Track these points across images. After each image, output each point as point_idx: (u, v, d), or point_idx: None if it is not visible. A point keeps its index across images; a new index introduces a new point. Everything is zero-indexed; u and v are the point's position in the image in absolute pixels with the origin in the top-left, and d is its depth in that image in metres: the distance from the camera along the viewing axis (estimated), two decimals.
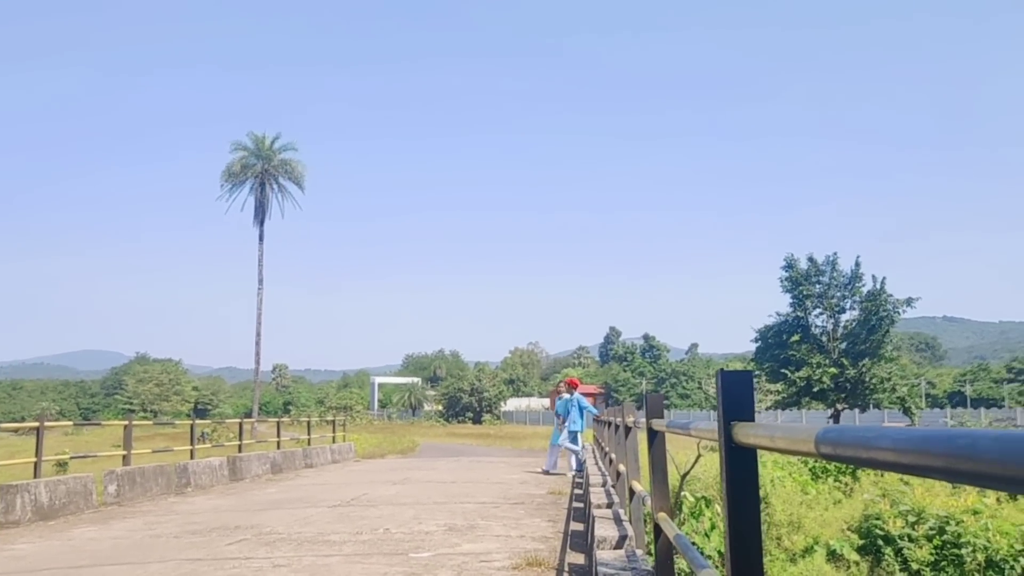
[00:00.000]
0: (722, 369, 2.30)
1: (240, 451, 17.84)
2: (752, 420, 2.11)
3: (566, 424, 16.36)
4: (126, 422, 14.58)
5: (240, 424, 19.83)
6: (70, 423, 18.16)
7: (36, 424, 11.87)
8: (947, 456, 0.95)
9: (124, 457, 13.46)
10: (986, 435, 0.90)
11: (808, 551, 15.20)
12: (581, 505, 10.49)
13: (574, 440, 16.34)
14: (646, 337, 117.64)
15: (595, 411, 17.20)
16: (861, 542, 15.82)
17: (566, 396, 16.72)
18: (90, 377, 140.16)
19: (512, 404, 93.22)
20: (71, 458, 15.43)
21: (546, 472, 16.90)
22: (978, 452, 0.89)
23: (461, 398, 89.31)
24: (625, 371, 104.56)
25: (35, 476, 11.06)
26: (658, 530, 4.30)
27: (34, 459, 11.37)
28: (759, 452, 2.16)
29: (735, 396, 2.18)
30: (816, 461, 23.93)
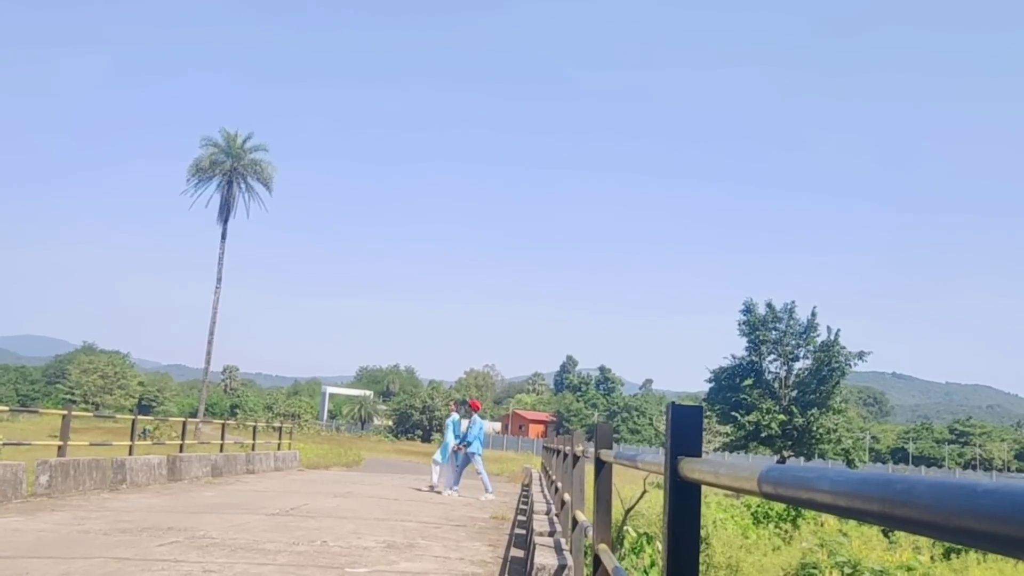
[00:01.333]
0: (673, 402, 2.31)
1: (181, 451, 17.48)
2: (699, 455, 2.12)
3: (466, 445, 16.49)
4: (65, 412, 14.22)
5: (184, 423, 19.44)
6: (6, 409, 17.65)
7: None
8: (884, 500, 0.96)
9: (59, 448, 13.11)
10: (922, 481, 0.91)
11: None
12: (524, 532, 10.44)
13: (475, 462, 16.52)
14: (602, 369, 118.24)
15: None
16: None
17: (456, 416, 17.06)
18: (32, 363, 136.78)
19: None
20: (3, 444, 14.98)
21: (434, 489, 16.89)
22: (914, 498, 0.90)
23: (412, 415, 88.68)
24: (578, 401, 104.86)
25: None
26: (597, 561, 4.28)
27: None
28: (704, 491, 2.16)
29: (684, 431, 2.18)
30: (759, 506, 24.14)
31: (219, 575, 6.53)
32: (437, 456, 17.08)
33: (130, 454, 15.24)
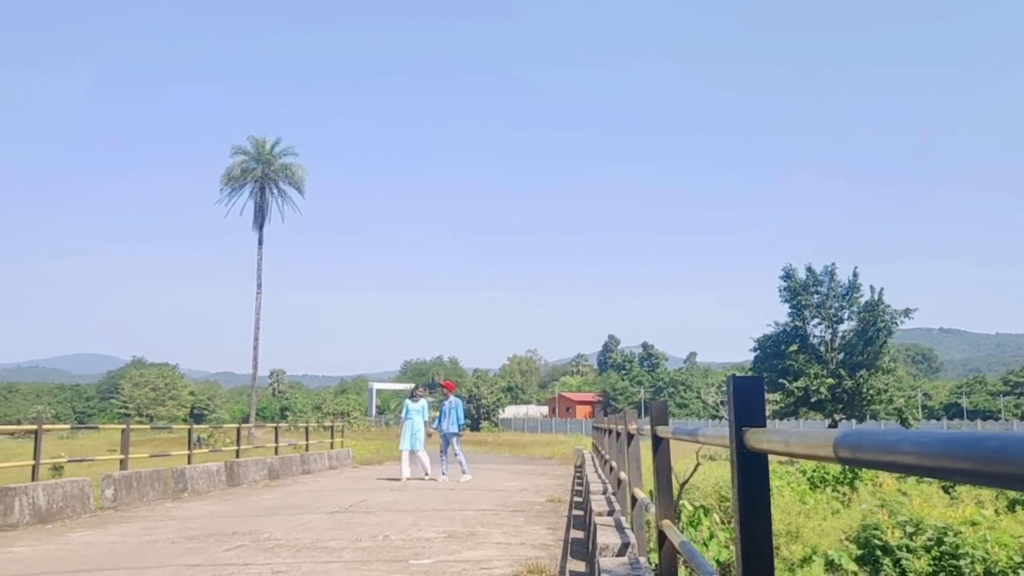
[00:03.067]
0: (734, 375, 2.30)
1: (238, 456, 17.80)
2: (764, 426, 2.11)
3: (443, 427, 16.62)
4: (123, 426, 14.56)
5: (238, 429, 19.80)
6: (67, 426, 18.12)
7: (34, 427, 11.85)
8: (975, 459, 0.95)
9: (121, 461, 13.43)
10: (1015, 437, 0.90)
11: (806, 561, 15.18)
12: (581, 513, 10.47)
13: (455, 443, 16.70)
14: (644, 346, 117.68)
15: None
16: (859, 552, 15.80)
17: (424, 401, 17.15)
18: (85, 381, 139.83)
19: (510, 411, 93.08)
20: (68, 462, 15.36)
21: (427, 478, 16.80)
22: (1008, 454, 0.89)
23: (461, 405, 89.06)
24: (623, 379, 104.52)
25: (33, 479, 11.04)
26: (662, 537, 4.29)
27: (32, 462, 11.35)
28: None
29: (747, 402, 2.18)
30: (815, 470, 23.91)
31: (287, 575, 6.65)
32: (411, 444, 16.60)
33: (189, 463, 15.56)
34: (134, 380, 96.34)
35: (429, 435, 16.86)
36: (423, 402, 16.98)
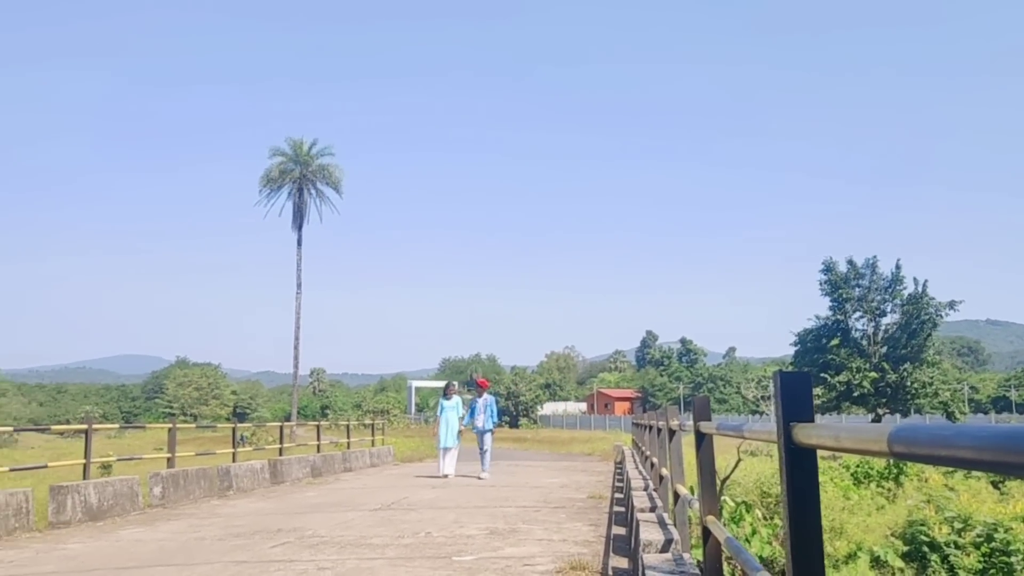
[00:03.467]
0: (780, 370, 2.28)
1: (281, 454, 18.03)
2: (812, 420, 2.09)
3: (476, 424, 16.63)
4: (169, 425, 14.83)
5: (280, 428, 20.06)
6: (115, 426, 18.50)
7: (84, 427, 12.13)
8: None
9: (168, 460, 13.68)
10: None
11: (851, 557, 14.98)
12: (622, 509, 10.45)
13: (486, 440, 16.74)
14: (683, 341, 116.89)
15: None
16: (906, 548, 15.56)
17: (458, 398, 17.12)
18: (131, 381, 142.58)
19: (549, 408, 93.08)
20: (116, 460, 15.69)
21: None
22: None
23: (497, 401, 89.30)
24: (662, 375, 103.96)
25: (84, 478, 11.30)
26: (706, 534, 4.27)
27: (82, 461, 11.61)
28: None
29: (794, 397, 2.16)
30: (859, 465, 23.58)
31: (332, 571, 6.73)
32: (449, 441, 16.65)
33: (233, 461, 15.80)
34: (178, 380, 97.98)
35: (461, 433, 16.91)
36: (457, 399, 17.03)
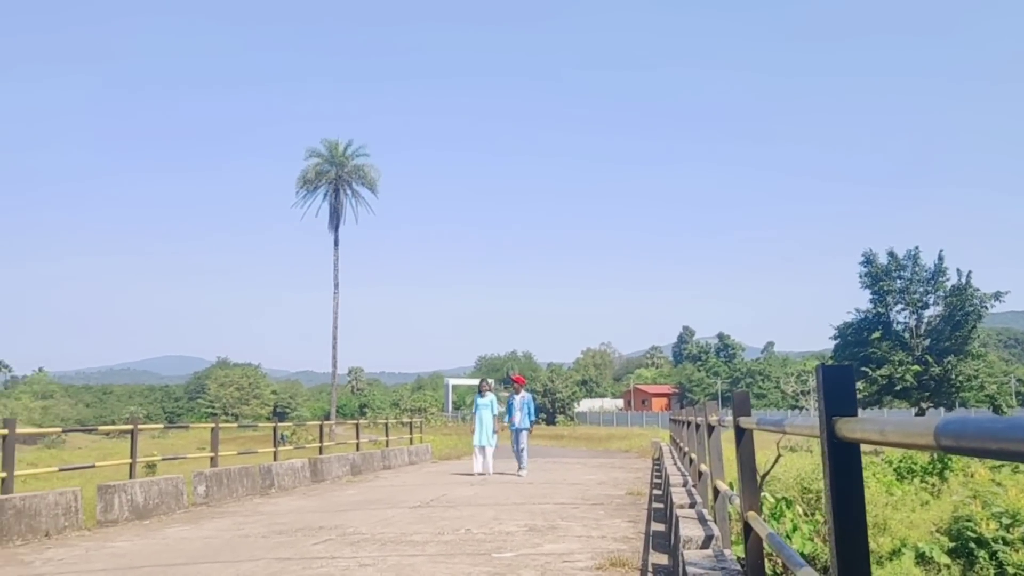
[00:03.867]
0: (822, 363, 2.26)
1: (321, 453, 18.22)
2: (855, 415, 2.07)
3: (513, 422, 16.64)
4: (212, 425, 15.07)
5: (320, 426, 20.28)
6: (160, 426, 18.88)
7: (129, 427, 12.37)
8: None
9: (211, 459, 13.90)
10: None
11: (896, 553, 14.75)
12: (661, 506, 10.41)
13: (523, 438, 16.74)
14: (720, 336, 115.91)
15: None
16: (952, 545, 15.27)
17: (490, 395, 17.01)
18: (173, 382, 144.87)
19: (585, 405, 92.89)
20: (161, 460, 15.99)
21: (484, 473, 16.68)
22: None
23: (535, 400, 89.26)
24: (699, 371, 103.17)
25: (130, 477, 11.52)
26: (747, 530, 4.24)
27: (128, 461, 11.85)
28: None
29: (837, 391, 2.14)
30: (901, 461, 23.19)
31: (374, 568, 6.80)
32: (484, 439, 16.63)
33: (275, 459, 16.01)
34: (219, 380, 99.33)
35: (497, 432, 16.92)
36: (491, 396, 17.04)
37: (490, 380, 18.38)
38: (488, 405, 16.79)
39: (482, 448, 16.66)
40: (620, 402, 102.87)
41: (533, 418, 17.01)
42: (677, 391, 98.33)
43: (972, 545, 14.89)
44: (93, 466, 13.10)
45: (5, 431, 9.47)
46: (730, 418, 4.66)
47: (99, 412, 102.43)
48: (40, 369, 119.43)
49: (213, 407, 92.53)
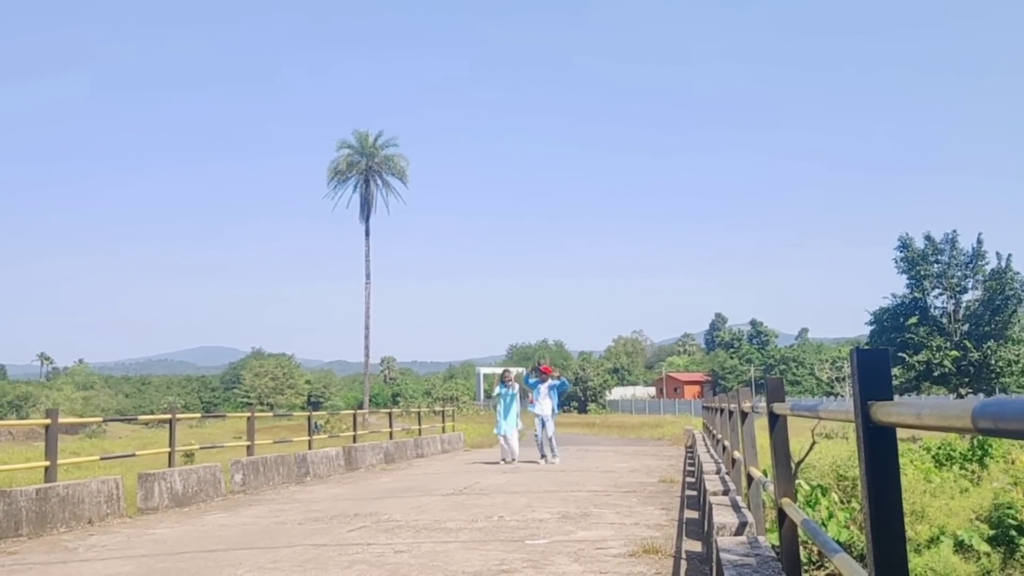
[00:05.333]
0: (857, 347, 2.24)
1: (354, 441, 18.40)
2: (891, 399, 2.05)
3: (538, 410, 16.61)
4: (248, 414, 15.27)
5: (354, 415, 20.47)
6: (197, 415, 19.16)
7: (168, 417, 12.58)
8: None
9: (248, 447, 14.10)
10: None
11: (934, 541, 14.56)
12: (694, 493, 10.38)
13: (550, 426, 16.67)
14: (753, 323, 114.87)
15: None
16: (991, 533, 15.05)
17: (516, 384, 17.16)
18: (209, 372, 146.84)
19: (617, 393, 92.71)
20: (199, 449, 16.24)
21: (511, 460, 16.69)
22: None
23: (561, 389, 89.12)
24: (732, 358, 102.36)
25: (169, 465, 11.73)
26: (781, 516, 4.22)
27: (167, 449, 12.06)
28: None
29: (872, 375, 2.12)
30: (940, 448, 22.86)
31: (408, 554, 6.86)
32: (511, 428, 16.74)
33: (309, 448, 16.19)
34: (254, 371, 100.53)
35: (520, 420, 16.98)
36: (516, 386, 17.12)
37: (512, 370, 18.46)
38: (512, 395, 16.91)
39: (506, 436, 16.76)
40: (652, 390, 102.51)
41: (556, 408, 17.04)
42: (709, 378, 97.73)
43: (1013, 533, 14.66)
44: (133, 455, 13.35)
45: (48, 421, 9.69)
46: (763, 404, 4.63)
47: (138, 402, 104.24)
48: (80, 361, 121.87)
49: (248, 397, 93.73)
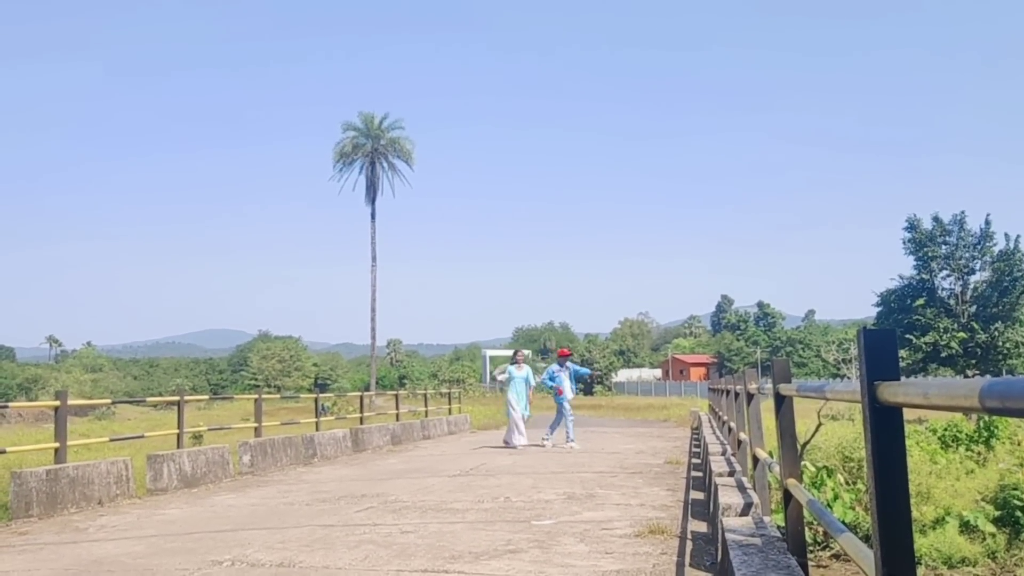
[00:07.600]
0: (864, 327, 2.24)
1: (361, 423, 18.48)
2: (898, 378, 2.04)
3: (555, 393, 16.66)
4: (255, 396, 15.35)
5: (361, 397, 20.58)
6: (205, 397, 19.28)
7: (176, 399, 12.65)
8: None
9: (256, 429, 14.17)
10: None
11: (939, 522, 14.58)
12: (700, 474, 10.41)
13: (567, 410, 16.63)
14: (760, 305, 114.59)
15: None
16: (997, 513, 15.07)
17: (527, 366, 17.20)
18: (217, 355, 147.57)
19: (623, 375, 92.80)
20: (207, 430, 16.35)
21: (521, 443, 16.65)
22: None
23: (576, 373, 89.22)
24: (738, 340, 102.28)
25: (178, 447, 11.81)
26: (787, 497, 4.23)
27: (176, 431, 12.13)
28: None
29: (879, 355, 2.11)
30: (946, 429, 22.84)
31: (415, 535, 6.90)
32: (521, 411, 16.70)
33: (317, 430, 16.28)
34: (261, 353, 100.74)
35: (531, 402, 17.02)
36: (527, 368, 17.07)
37: (522, 351, 18.40)
38: (524, 377, 16.84)
39: (514, 419, 16.74)
40: (658, 372, 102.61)
41: (575, 390, 17.09)
42: (715, 360, 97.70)
43: (1018, 513, 14.66)
44: (143, 436, 13.45)
45: (57, 403, 9.75)
46: (769, 386, 4.64)
47: (146, 384, 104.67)
48: (89, 343, 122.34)
49: (256, 379, 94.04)
